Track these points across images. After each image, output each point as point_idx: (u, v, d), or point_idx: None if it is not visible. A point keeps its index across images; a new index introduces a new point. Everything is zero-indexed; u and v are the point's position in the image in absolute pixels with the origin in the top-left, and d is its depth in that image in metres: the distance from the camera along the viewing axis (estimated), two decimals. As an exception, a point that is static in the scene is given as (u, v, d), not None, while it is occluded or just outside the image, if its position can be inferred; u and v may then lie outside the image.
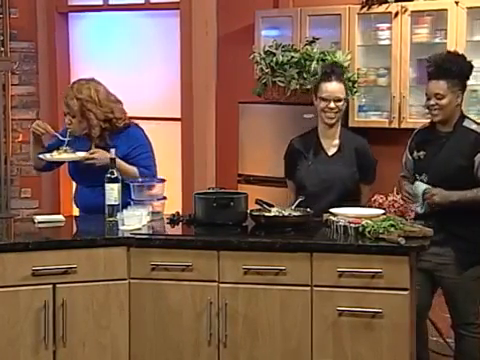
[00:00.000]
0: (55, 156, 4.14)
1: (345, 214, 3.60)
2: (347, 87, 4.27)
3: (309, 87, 5.11)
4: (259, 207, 3.79)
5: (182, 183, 6.22)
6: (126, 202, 3.89)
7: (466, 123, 3.92)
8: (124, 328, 3.53)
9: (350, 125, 5.29)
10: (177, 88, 6.27)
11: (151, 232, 3.70)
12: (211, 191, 3.96)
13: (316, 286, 3.39)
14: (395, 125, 5.28)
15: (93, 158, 4.07)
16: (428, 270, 3.90)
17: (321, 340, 3.39)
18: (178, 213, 3.93)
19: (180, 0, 6.18)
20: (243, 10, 5.94)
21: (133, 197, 3.96)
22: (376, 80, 5.39)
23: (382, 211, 3.66)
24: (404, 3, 5.18)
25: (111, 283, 3.51)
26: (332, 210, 3.66)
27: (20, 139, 6.56)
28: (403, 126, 5.19)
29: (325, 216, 3.67)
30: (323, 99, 4.05)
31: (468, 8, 4.98)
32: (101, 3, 6.60)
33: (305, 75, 5.20)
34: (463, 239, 3.85)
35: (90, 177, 4.11)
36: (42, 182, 6.53)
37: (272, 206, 3.79)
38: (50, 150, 4.18)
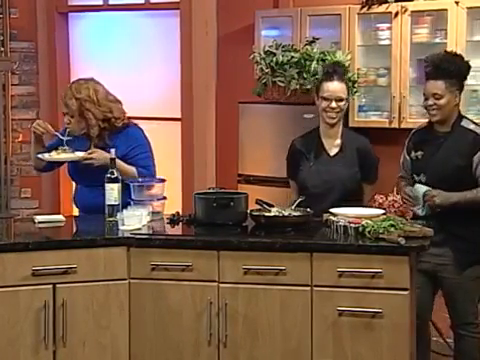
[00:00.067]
0: (53, 156, 4.14)
1: (345, 214, 3.59)
2: (348, 87, 4.27)
3: (309, 87, 5.12)
4: (259, 207, 3.78)
5: (182, 183, 6.22)
6: (126, 202, 3.89)
7: (464, 123, 3.91)
8: (124, 328, 3.53)
9: (350, 125, 5.29)
10: (177, 88, 6.27)
11: (151, 232, 3.69)
12: (211, 191, 3.95)
13: (316, 286, 3.38)
14: (395, 125, 5.28)
15: (91, 158, 4.06)
16: (428, 271, 3.89)
17: (321, 340, 3.39)
18: (178, 213, 3.93)
19: (180, 0, 6.19)
20: (243, 10, 5.94)
21: (133, 197, 3.96)
22: (376, 80, 5.40)
23: (382, 211, 3.66)
24: (404, 3, 5.19)
25: (111, 283, 3.50)
26: (332, 210, 3.65)
27: (20, 139, 6.56)
28: (403, 126, 5.19)
29: (325, 216, 3.67)
30: (325, 99, 4.04)
31: (468, 8, 4.99)
32: (101, 3, 6.60)
33: (305, 75, 5.21)
34: (462, 239, 3.84)
35: (89, 177, 4.11)
36: (42, 182, 6.53)
37: (272, 206, 3.79)
38: (50, 150, 4.18)
